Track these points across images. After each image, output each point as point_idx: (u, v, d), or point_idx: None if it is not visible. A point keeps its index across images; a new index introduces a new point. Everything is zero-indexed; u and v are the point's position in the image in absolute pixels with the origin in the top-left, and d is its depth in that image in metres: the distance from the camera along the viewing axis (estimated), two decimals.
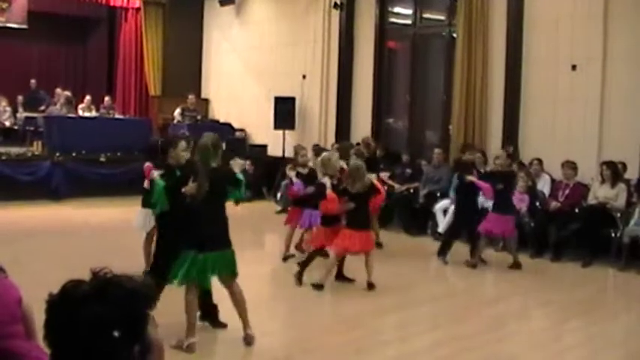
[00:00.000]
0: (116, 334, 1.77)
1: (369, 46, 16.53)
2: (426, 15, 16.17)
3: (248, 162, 7.92)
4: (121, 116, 19.05)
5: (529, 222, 11.76)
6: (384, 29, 16.53)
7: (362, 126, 16.43)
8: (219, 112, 20.59)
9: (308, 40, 17.75)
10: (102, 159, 16.46)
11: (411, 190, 13.90)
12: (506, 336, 7.71)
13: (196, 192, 6.47)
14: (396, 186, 14.01)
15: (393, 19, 16.71)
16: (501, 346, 7.42)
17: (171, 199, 6.97)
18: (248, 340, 6.65)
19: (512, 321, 8.19)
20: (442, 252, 10.99)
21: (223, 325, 7.11)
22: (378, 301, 8.55)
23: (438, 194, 13.32)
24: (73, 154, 16.19)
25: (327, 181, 9.10)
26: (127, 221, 12.48)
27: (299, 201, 10.49)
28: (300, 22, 18.09)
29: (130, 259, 8.84)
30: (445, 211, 12.79)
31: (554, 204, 11.75)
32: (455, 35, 14.80)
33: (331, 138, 16.60)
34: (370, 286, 8.99)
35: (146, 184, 9.19)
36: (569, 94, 13.02)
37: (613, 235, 10.98)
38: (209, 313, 7.15)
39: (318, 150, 12.43)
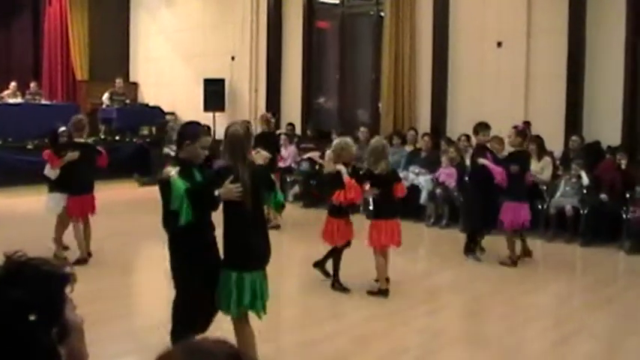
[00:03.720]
0: (32, 317, 1.72)
1: (298, 25, 16.51)
2: None
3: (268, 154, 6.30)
4: (47, 102, 18.64)
5: (458, 197, 11.95)
6: (312, 8, 16.54)
7: (292, 106, 16.45)
8: (149, 95, 20.34)
9: (236, 20, 17.63)
10: (29, 146, 16.09)
11: None
12: (438, 308, 7.85)
13: (242, 195, 5.24)
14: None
15: None
16: (433, 318, 7.58)
17: (197, 206, 5.22)
18: None
19: (443, 294, 8.32)
20: (469, 250, 10.03)
21: None
22: (312, 279, 8.58)
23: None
24: None
25: (342, 168, 8.10)
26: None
27: None
28: (227, 2, 17.96)
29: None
30: None
31: None
32: (382, 14, 14.89)
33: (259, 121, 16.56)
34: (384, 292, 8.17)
35: (46, 170, 9.35)
36: (495, 70, 13.25)
37: (540, 207, 11.23)
38: None
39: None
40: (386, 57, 14.55)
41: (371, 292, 8.11)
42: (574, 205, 11.04)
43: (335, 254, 8.40)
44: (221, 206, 5.37)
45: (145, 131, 18.04)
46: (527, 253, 10.07)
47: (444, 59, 13.93)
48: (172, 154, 10.65)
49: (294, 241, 11.25)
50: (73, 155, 8.98)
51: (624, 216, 10.70)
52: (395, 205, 8.41)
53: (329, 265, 8.50)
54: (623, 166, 11.26)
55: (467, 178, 11.84)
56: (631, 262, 10.14)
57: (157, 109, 19.23)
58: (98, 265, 9.17)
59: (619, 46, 12.10)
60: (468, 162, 12.56)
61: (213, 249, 5.50)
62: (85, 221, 9.31)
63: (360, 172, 8.31)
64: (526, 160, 9.99)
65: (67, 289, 1.82)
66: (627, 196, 10.87)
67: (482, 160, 9.66)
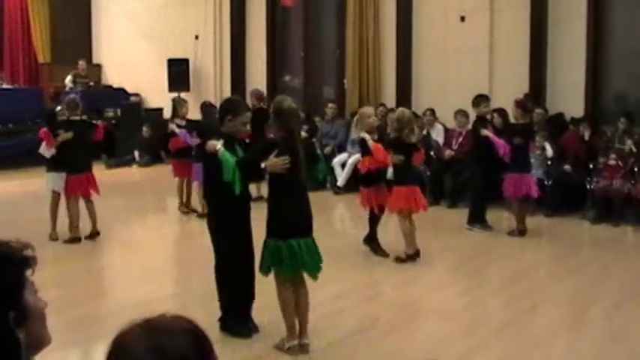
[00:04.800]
0: None
1: (261, 3, 16.42)
2: None
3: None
4: (9, 86, 18.40)
5: (425, 171, 12.04)
6: None
7: (257, 84, 16.29)
8: (112, 77, 20.09)
9: None
10: None
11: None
12: (407, 281, 7.92)
13: (292, 167, 5.49)
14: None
15: None
16: (403, 291, 7.66)
17: (245, 177, 5.66)
18: (304, 349, 5.71)
19: (413, 267, 8.39)
20: (475, 220, 10.11)
21: None
22: None
23: (336, 148, 13.47)
24: None
25: (366, 135, 8.29)
26: (22, 194, 12.28)
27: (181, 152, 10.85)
28: None
29: (27, 232, 8.67)
30: (343, 165, 12.92)
31: (448, 152, 12.06)
32: None
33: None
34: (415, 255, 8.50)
35: (41, 149, 9.57)
36: (458, 44, 13.31)
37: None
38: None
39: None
40: (350, 33, 14.55)
41: (399, 259, 8.37)
42: (539, 176, 11.15)
43: (372, 219, 8.68)
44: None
45: (110, 113, 17.86)
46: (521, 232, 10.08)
47: (408, 34, 13.97)
48: (177, 130, 10.71)
49: None
50: (66, 135, 9.26)
51: (588, 186, 10.85)
52: (414, 172, 8.80)
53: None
54: (586, 138, 11.40)
55: (432, 153, 11.98)
56: (595, 232, 10.30)
57: (122, 91, 19.04)
58: (69, 248, 9.18)
59: (581, 19, 12.21)
60: (434, 136, 12.71)
61: (249, 218, 6.02)
62: (88, 200, 9.56)
63: (391, 139, 8.56)
64: (528, 132, 10.09)
65: (28, 272, 1.79)
66: (591, 166, 11.01)
67: (485, 132, 9.77)
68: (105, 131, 10.21)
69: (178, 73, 17.25)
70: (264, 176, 5.74)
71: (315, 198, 12.28)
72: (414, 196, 8.38)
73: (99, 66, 20.35)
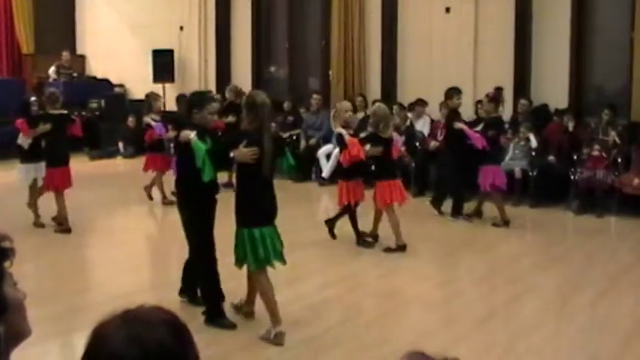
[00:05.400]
0: None
1: None
2: None
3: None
4: None
5: (409, 162, 12.05)
6: None
7: (242, 75, 16.35)
8: (97, 68, 19.96)
9: None
10: None
11: (294, 137, 13.96)
12: (391, 272, 7.94)
13: (260, 158, 5.64)
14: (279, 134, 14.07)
15: None
16: (386, 281, 7.68)
17: (214, 166, 5.83)
18: (248, 317, 6.17)
19: (397, 257, 8.41)
20: (456, 212, 10.26)
21: (201, 302, 6.34)
22: None
23: (321, 140, 13.45)
24: None
25: (342, 130, 8.51)
26: (4, 185, 12.18)
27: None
28: None
29: (8, 224, 8.66)
30: (328, 156, 12.92)
31: (433, 143, 12.06)
32: None
33: (212, 89, 16.44)
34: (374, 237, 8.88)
35: (19, 139, 9.59)
36: (443, 36, 13.31)
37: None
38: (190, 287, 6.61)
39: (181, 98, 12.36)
40: (335, 24, 14.54)
41: (389, 249, 8.51)
42: (523, 167, 11.21)
43: (349, 214, 8.82)
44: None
45: (93, 105, 17.76)
46: (478, 214, 10.34)
47: (393, 25, 13.96)
48: (153, 123, 10.75)
49: None
50: (44, 128, 9.27)
51: (572, 177, 10.90)
52: (394, 167, 8.93)
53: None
54: (570, 129, 11.45)
55: (417, 144, 12.02)
56: (578, 222, 10.35)
57: (106, 82, 18.95)
58: (54, 240, 9.15)
59: (565, 11, 12.25)
60: (419, 127, 12.72)
61: (215, 205, 6.21)
62: (60, 194, 9.51)
63: (368, 135, 8.73)
64: (500, 124, 10.26)
65: (6, 264, 1.76)
66: (574, 157, 11.06)
67: (459, 125, 9.91)
68: (82, 127, 10.18)
69: (163, 64, 17.18)
70: (232, 165, 5.94)
71: (300, 189, 12.50)
72: (397, 190, 8.57)
73: (83, 57, 20.22)
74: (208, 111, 6.16)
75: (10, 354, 1.78)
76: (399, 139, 10.62)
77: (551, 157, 11.25)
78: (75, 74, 18.27)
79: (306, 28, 16.22)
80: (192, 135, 5.85)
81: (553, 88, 12.37)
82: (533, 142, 11.30)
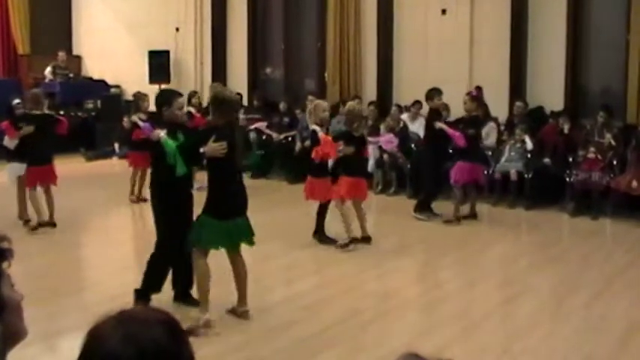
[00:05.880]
0: None
1: None
2: None
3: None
4: None
5: (406, 163, 12.06)
6: None
7: (238, 76, 16.36)
8: (93, 68, 19.95)
9: None
10: None
11: (290, 139, 13.97)
12: (387, 272, 7.95)
13: (230, 153, 5.80)
14: (274, 135, 14.08)
15: None
16: (383, 282, 7.69)
17: (185, 161, 5.99)
18: (244, 316, 6.21)
19: (393, 258, 8.42)
20: (422, 208, 10.36)
21: (195, 302, 6.26)
22: (261, 248, 8.60)
23: None
24: None
25: (316, 127, 8.57)
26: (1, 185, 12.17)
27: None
28: None
29: (5, 222, 8.66)
30: None
31: None
32: None
33: (207, 90, 16.43)
34: (366, 239, 8.82)
35: (5, 141, 9.75)
36: (439, 37, 13.33)
37: (485, 172, 11.37)
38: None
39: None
40: (331, 26, 14.54)
41: (344, 245, 8.57)
42: (518, 169, 11.22)
43: (318, 209, 8.89)
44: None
45: (89, 105, 17.75)
46: (473, 215, 10.36)
47: (389, 26, 13.98)
48: (140, 122, 10.77)
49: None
50: (28, 129, 9.34)
51: (567, 179, 10.91)
52: (362, 166, 9.13)
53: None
54: (565, 131, 11.46)
55: (413, 145, 12.03)
56: (574, 224, 10.36)
57: (102, 83, 18.93)
58: (50, 240, 9.14)
59: (561, 13, 12.28)
60: (414, 129, 12.73)
61: (190, 201, 6.41)
62: (47, 191, 9.57)
63: (341, 133, 8.96)
64: (479, 124, 10.50)
65: (4, 265, 1.76)
66: (570, 159, 11.07)
67: (440, 125, 10.06)
68: (67, 126, 10.13)
69: (159, 64, 17.17)
70: (203, 160, 6.05)
71: (295, 190, 12.46)
72: (359, 187, 8.76)
73: (79, 57, 20.20)
74: (177, 106, 6.34)
75: (6, 355, 1.78)
76: (394, 140, 10.64)
77: (546, 159, 11.27)
78: (71, 75, 18.25)
79: (302, 29, 16.23)
80: (162, 134, 6.04)
81: (549, 89, 12.39)
82: (529, 144, 11.32)
